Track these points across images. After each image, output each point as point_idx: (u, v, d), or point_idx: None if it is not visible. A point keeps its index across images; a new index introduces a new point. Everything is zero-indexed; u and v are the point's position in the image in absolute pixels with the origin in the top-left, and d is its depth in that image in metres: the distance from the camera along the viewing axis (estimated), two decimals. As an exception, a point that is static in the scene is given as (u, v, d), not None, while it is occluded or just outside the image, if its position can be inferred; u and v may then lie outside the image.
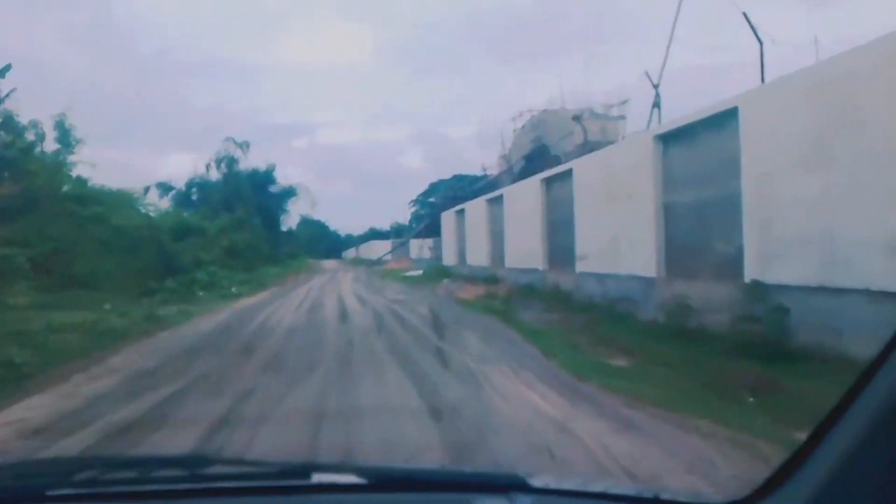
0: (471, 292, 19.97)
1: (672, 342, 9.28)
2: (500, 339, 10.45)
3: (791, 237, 7.99)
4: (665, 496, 1.48)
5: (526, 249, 19.08)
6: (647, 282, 11.75)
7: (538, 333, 10.58)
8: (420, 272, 34.39)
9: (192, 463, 1.71)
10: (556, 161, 25.16)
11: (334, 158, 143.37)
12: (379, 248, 63.18)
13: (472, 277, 24.67)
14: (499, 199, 22.70)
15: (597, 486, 1.67)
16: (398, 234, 66.96)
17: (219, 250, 34.97)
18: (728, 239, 9.64)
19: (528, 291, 17.89)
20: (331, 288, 25.70)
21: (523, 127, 39.88)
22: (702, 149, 10.39)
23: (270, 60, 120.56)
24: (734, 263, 9.31)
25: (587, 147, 24.62)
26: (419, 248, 53.17)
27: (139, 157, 76.20)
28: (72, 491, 1.45)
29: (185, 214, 39.62)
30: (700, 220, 10.49)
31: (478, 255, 25.54)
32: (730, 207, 9.49)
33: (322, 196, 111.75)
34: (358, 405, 6.07)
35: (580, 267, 14.91)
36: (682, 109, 14.37)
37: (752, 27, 14.08)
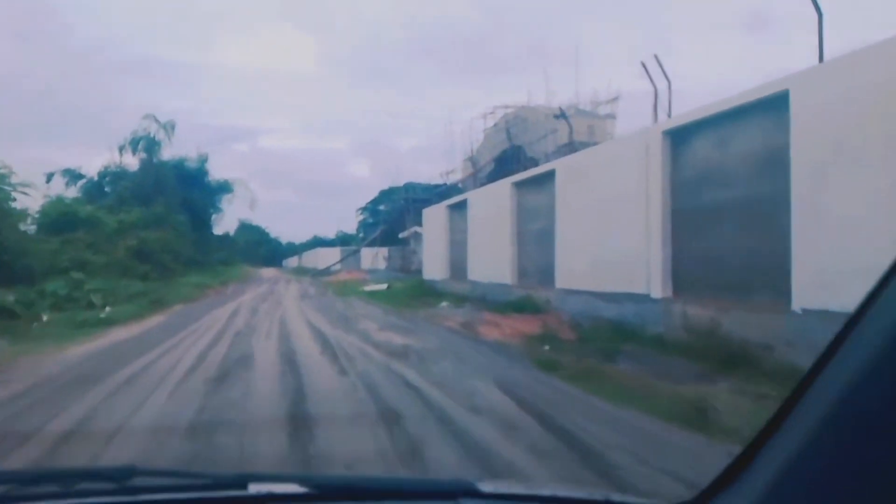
0: (506, 329, 11.92)
1: None
2: None
3: None
4: (615, 499, 1.41)
5: (611, 260, 11.13)
6: None
7: None
8: (384, 287, 26.40)
9: (120, 475, 1.38)
10: (533, 163, 21.26)
11: (275, 165, 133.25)
12: (325, 257, 57.77)
13: (482, 300, 16.59)
14: (543, 178, 14.59)
15: (545, 490, 1.54)
16: (344, 242, 63.83)
17: (122, 251, 27.18)
18: None
19: (626, 336, 9.99)
20: (269, 310, 17.16)
21: (495, 125, 35.01)
22: None
23: (208, 61, 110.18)
24: None
25: (572, 147, 18.47)
26: (373, 257, 47.71)
27: (64, 157, 65.91)
28: None
29: (83, 206, 30.62)
30: None
31: (492, 267, 17.30)
32: None
33: (263, 204, 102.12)
34: None
35: (803, 301, 7.06)
36: None
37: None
